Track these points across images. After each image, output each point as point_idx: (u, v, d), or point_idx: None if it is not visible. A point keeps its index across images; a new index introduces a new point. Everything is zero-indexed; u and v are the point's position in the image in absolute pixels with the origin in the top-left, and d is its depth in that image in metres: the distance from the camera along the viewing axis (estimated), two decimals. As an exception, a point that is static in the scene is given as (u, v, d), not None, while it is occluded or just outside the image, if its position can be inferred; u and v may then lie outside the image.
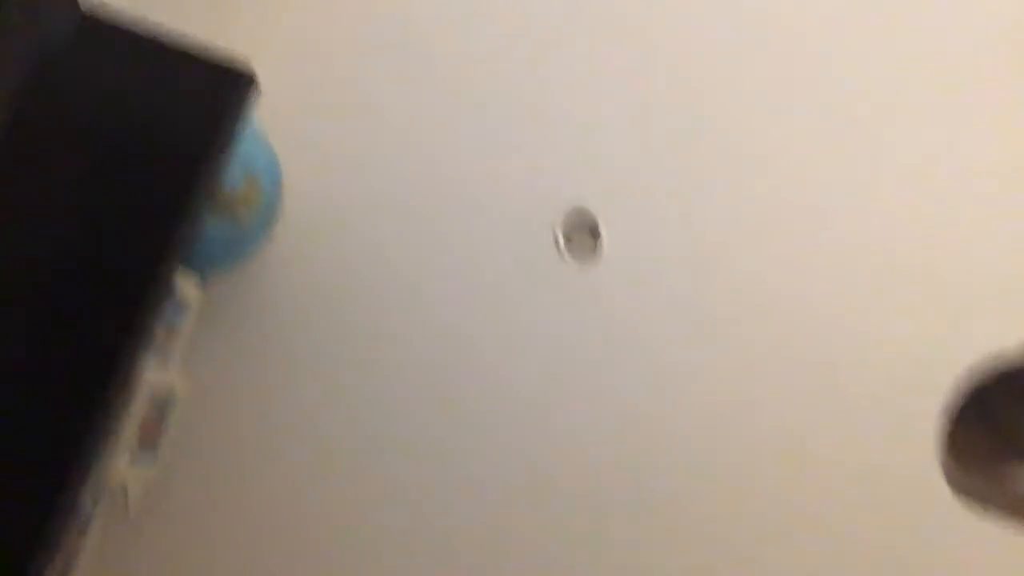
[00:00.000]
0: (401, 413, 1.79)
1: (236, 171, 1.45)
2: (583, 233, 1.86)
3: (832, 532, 1.69)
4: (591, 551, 1.72)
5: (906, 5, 1.89)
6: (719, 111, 1.90)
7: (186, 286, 1.56)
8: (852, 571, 1.67)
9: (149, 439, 1.56)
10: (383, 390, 1.80)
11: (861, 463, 1.70)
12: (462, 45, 1.96)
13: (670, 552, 1.72)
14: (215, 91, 1.20)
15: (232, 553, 1.73)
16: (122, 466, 1.41)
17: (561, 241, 1.84)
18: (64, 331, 1.14)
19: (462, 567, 1.73)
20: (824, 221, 1.82)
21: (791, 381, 1.75)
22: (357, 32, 1.98)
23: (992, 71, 1.86)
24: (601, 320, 1.81)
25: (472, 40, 1.96)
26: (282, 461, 1.77)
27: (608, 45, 1.94)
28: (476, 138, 1.92)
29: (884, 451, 1.68)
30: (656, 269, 1.83)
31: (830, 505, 1.70)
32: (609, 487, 1.75)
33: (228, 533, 1.74)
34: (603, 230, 1.84)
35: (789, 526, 1.71)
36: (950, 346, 1.68)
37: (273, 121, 1.63)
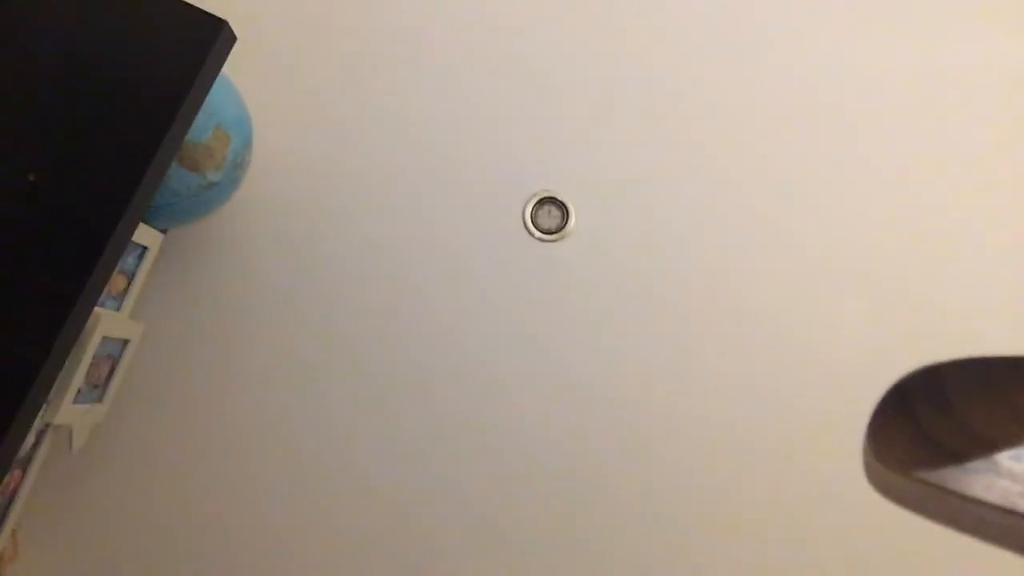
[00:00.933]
0: (357, 376, 1.80)
1: (205, 122, 1.44)
2: (551, 212, 1.87)
3: (765, 527, 1.74)
4: (547, 522, 1.75)
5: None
6: (684, 99, 1.92)
7: (145, 234, 1.55)
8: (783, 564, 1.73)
9: (98, 382, 1.56)
10: (339, 351, 1.81)
11: (794, 459, 1.76)
12: (444, 17, 1.96)
13: (619, 520, 1.76)
14: (188, 37, 1.19)
15: (173, 497, 1.74)
16: (68, 407, 1.40)
17: (529, 218, 1.86)
18: (21, 271, 1.13)
19: (409, 527, 1.75)
20: (784, 215, 1.86)
21: (737, 366, 1.80)
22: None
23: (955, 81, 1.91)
24: (565, 295, 1.84)
25: (453, 12, 1.97)
26: (231, 411, 1.78)
27: (581, 32, 1.95)
28: (450, 109, 1.92)
29: (816, 448, 1.74)
30: (620, 248, 1.85)
31: (764, 498, 1.75)
32: (568, 458, 1.78)
33: (171, 478, 1.75)
34: (571, 209, 1.86)
35: (720, 509, 1.76)
36: (887, 352, 1.75)
37: (247, 77, 1.62)
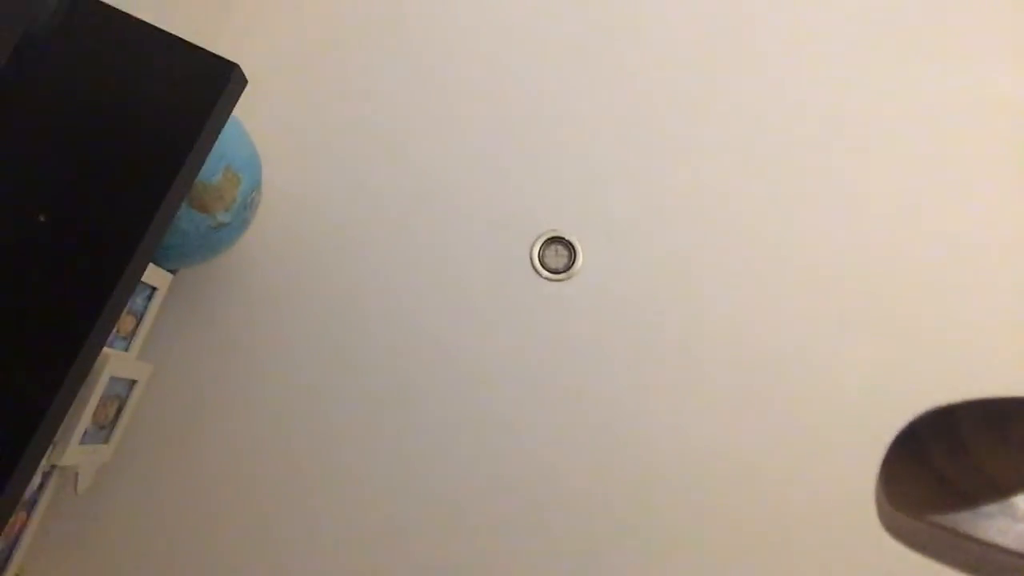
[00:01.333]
0: (366, 415, 1.79)
1: (215, 164, 1.45)
2: (559, 251, 1.88)
3: (776, 569, 1.72)
4: (551, 550, 1.73)
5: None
6: (692, 140, 1.93)
7: (155, 274, 1.56)
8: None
9: (105, 422, 1.55)
10: (350, 390, 1.80)
11: (805, 495, 1.73)
12: (452, 57, 1.99)
13: (627, 549, 1.73)
14: (200, 81, 1.20)
15: (179, 538, 1.72)
16: (75, 447, 1.40)
17: (537, 257, 1.86)
18: (30, 311, 1.13)
19: (417, 553, 1.73)
20: (792, 255, 1.86)
21: (746, 407, 1.78)
22: (346, 36, 2.00)
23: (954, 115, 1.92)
24: (573, 334, 1.83)
25: (461, 51, 1.99)
26: (238, 451, 1.77)
27: (590, 74, 1.97)
28: (460, 150, 1.94)
29: (828, 490, 1.72)
30: (627, 288, 1.85)
31: (775, 532, 1.73)
32: (575, 492, 1.76)
33: (177, 518, 1.73)
34: (578, 249, 1.86)
35: (731, 546, 1.73)
36: (900, 393, 1.73)
37: (257, 119, 1.64)
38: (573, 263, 1.87)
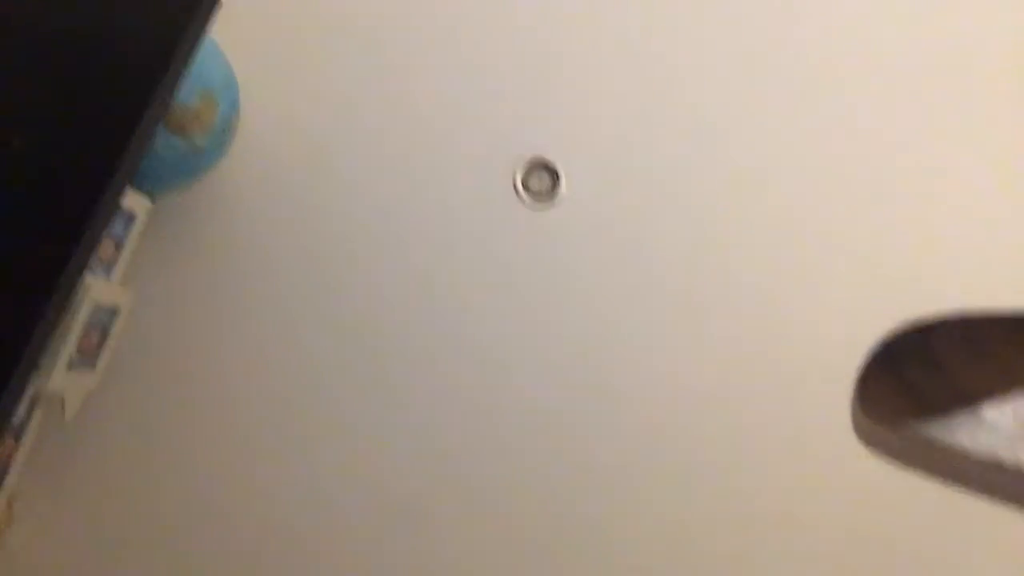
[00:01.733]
0: (348, 341, 1.80)
1: (191, 87, 1.43)
2: (542, 177, 1.87)
3: (753, 483, 1.76)
4: (535, 487, 1.77)
5: None
6: (678, 63, 1.91)
7: (133, 200, 1.54)
8: (765, 521, 1.76)
9: (90, 350, 1.55)
10: (331, 316, 1.81)
11: (781, 415, 1.77)
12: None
13: (607, 485, 1.77)
14: (173, 0, 1.17)
15: (167, 464, 1.75)
16: (60, 375, 1.40)
17: (520, 183, 1.85)
18: (7, 239, 1.12)
19: (400, 497, 1.77)
20: (769, 179, 1.86)
21: (727, 328, 1.81)
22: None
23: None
24: (555, 260, 1.84)
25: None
26: (223, 377, 1.78)
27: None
28: (442, 72, 1.90)
29: (803, 405, 1.76)
30: (610, 214, 1.85)
31: (751, 456, 1.77)
32: (557, 420, 1.79)
33: (164, 445, 1.75)
34: (561, 174, 1.85)
35: (707, 471, 1.78)
36: (874, 309, 1.75)
37: (234, 41, 1.60)
38: (556, 188, 1.86)
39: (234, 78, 1.57)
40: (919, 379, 0.45)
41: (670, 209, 1.85)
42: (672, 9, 1.92)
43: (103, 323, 1.58)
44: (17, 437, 1.46)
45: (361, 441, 1.77)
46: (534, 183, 1.86)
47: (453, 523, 1.75)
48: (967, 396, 0.41)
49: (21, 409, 1.40)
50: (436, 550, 1.75)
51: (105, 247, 1.52)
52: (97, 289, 1.46)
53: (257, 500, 1.75)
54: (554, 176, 1.86)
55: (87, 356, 1.55)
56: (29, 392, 1.33)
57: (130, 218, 1.58)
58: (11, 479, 1.47)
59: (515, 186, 1.85)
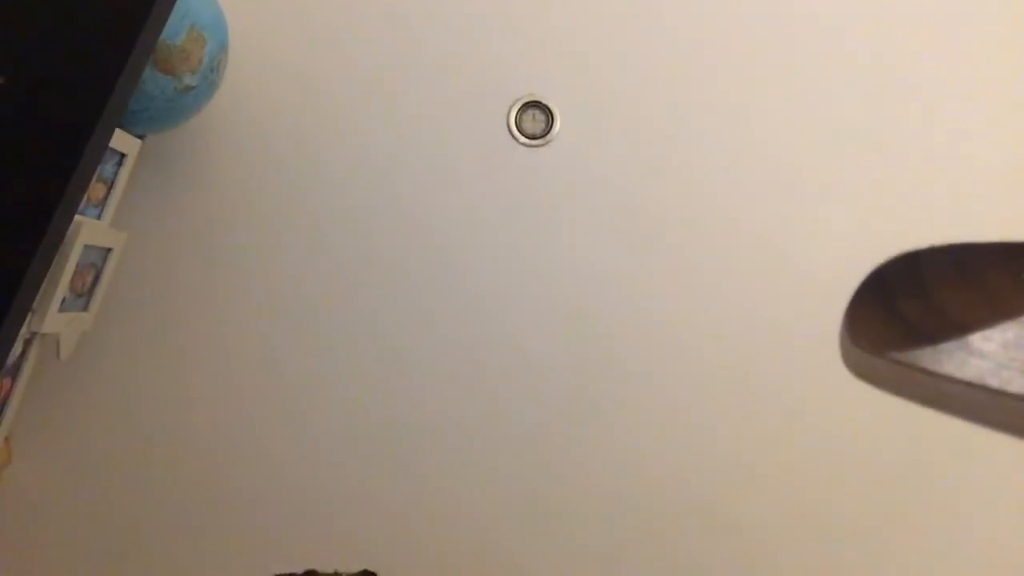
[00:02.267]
0: (341, 278, 1.80)
1: (178, 23, 1.40)
2: (536, 116, 1.85)
3: (747, 413, 1.79)
4: (528, 427, 1.79)
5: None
6: (672, 4, 1.88)
7: (123, 140, 1.53)
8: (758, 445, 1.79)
9: (83, 290, 1.56)
10: (323, 253, 1.81)
11: (772, 343, 1.79)
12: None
13: (603, 420, 1.80)
14: (159, -65, 1.15)
15: (161, 403, 1.76)
16: (54, 315, 1.41)
17: (514, 122, 1.84)
18: (-3, 176, 1.11)
19: (390, 432, 1.79)
20: (760, 113, 1.85)
21: (719, 264, 1.81)
22: None
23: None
24: (549, 200, 1.83)
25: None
26: (215, 317, 1.79)
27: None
28: (435, 9, 1.87)
29: (795, 334, 1.77)
30: (604, 154, 1.84)
31: (743, 385, 1.79)
32: (550, 359, 1.80)
33: (158, 384, 1.77)
34: (556, 114, 1.84)
35: (703, 402, 1.80)
36: (864, 240, 1.76)
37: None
38: (551, 128, 1.85)
39: (222, 15, 1.54)
40: (908, 308, 0.45)
41: (664, 145, 1.85)
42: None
43: (95, 263, 1.58)
44: (12, 377, 1.46)
45: (353, 377, 1.79)
46: (528, 123, 1.84)
47: (444, 460, 1.78)
48: (956, 325, 0.42)
49: (16, 349, 1.41)
50: (426, 485, 1.77)
51: (95, 188, 1.51)
52: (88, 230, 1.45)
53: (247, 435, 1.77)
54: (548, 115, 1.85)
55: (80, 297, 1.55)
56: (24, 332, 1.34)
57: (120, 159, 1.56)
58: (8, 417, 1.48)
59: (509, 126, 1.84)
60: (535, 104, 1.85)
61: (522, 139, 1.84)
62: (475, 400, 1.79)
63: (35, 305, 1.30)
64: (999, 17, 1.85)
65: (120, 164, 1.57)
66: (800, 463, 1.78)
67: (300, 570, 1.25)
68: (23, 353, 1.47)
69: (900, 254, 0.46)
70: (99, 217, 1.56)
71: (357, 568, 1.28)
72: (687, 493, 1.78)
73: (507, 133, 1.84)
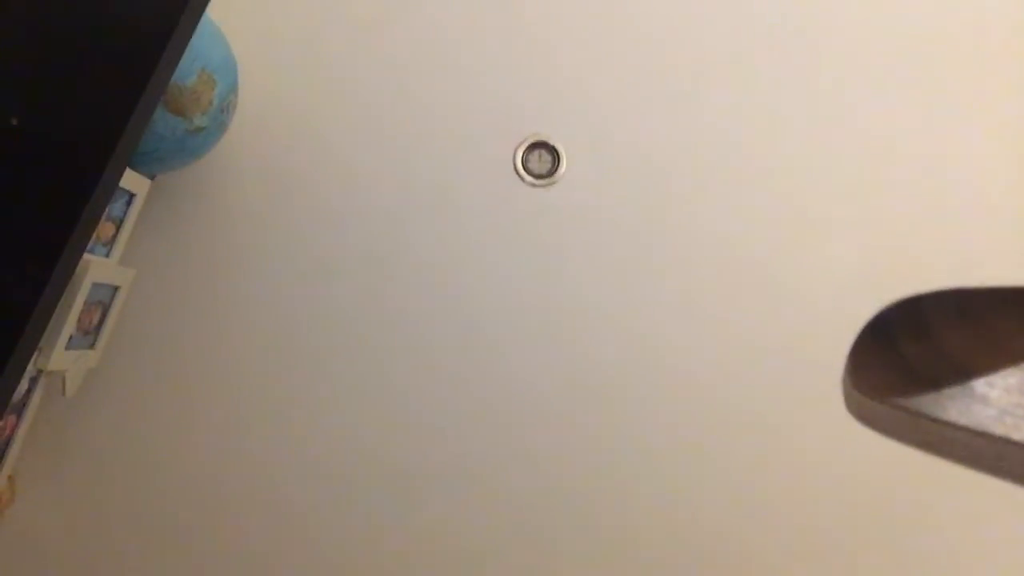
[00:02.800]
0: (346, 318, 1.80)
1: (189, 65, 1.42)
2: (542, 156, 1.86)
3: (749, 454, 1.77)
4: (532, 460, 1.78)
5: None
6: (674, 44, 1.90)
7: (133, 180, 1.54)
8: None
9: (90, 328, 1.56)
10: (329, 295, 1.81)
11: (775, 388, 1.78)
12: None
13: (607, 454, 1.78)
14: (171, -21, 1.17)
15: (166, 440, 1.76)
16: (61, 353, 1.41)
17: (520, 162, 1.85)
18: (6, 218, 1.12)
19: (394, 472, 1.77)
20: (765, 156, 1.86)
21: (724, 305, 1.81)
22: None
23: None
24: (556, 239, 1.84)
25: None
26: (221, 354, 1.79)
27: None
28: (443, 51, 1.90)
29: (797, 379, 1.76)
30: (610, 193, 1.85)
31: (746, 430, 1.78)
32: (555, 397, 1.79)
33: (164, 421, 1.76)
34: (562, 154, 1.85)
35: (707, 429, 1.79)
36: (867, 284, 1.76)
37: (233, 20, 1.59)
38: (557, 168, 1.86)
39: (233, 58, 1.57)
40: (911, 353, 0.45)
41: (668, 186, 1.85)
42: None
43: (103, 301, 1.59)
44: (18, 414, 1.46)
45: (358, 417, 1.78)
46: (534, 163, 1.86)
47: (447, 499, 1.76)
48: (959, 370, 0.41)
49: (22, 386, 1.41)
50: (428, 527, 1.76)
51: (105, 227, 1.52)
52: (97, 268, 1.46)
53: (253, 475, 1.76)
54: (554, 155, 1.86)
55: (87, 334, 1.56)
56: (30, 370, 1.34)
57: (130, 198, 1.58)
58: (12, 456, 1.48)
59: (515, 166, 1.85)
60: (541, 144, 1.86)
61: (528, 179, 1.85)
62: (480, 440, 1.78)
63: (42, 343, 1.31)
64: (1012, 61, 1.87)
65: (130, 203, 1.58)
66: (800, 499, 1.76)
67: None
68: (29, 390, 1.47)
69: (902, 298, 0.46)
70: (108, 255, 1.57)
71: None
72: (697, 532, 1.75)
73: (514, 173, 1.85)
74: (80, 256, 1.19)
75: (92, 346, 1.58)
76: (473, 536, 1.76)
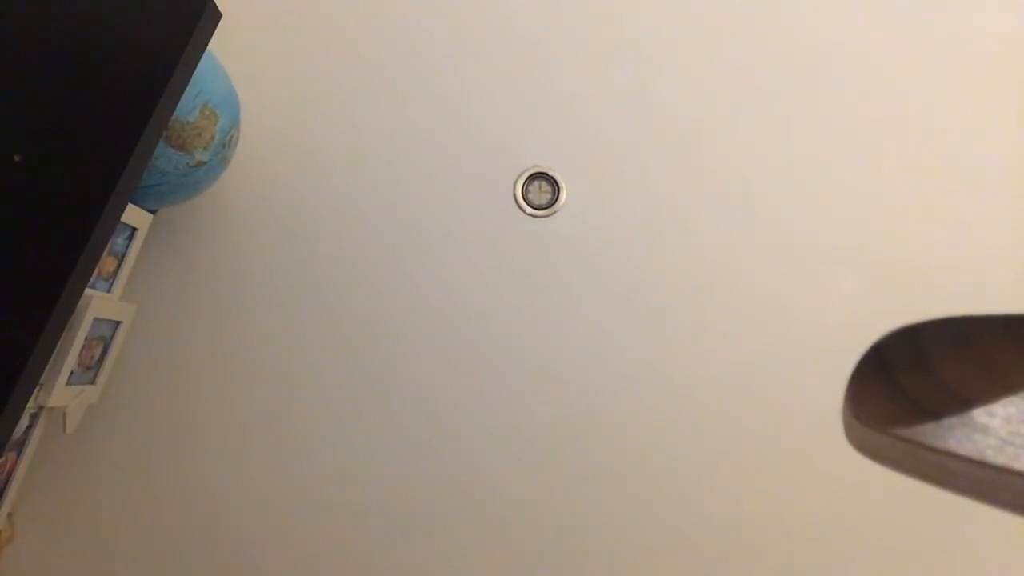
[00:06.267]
0: (348, 352, 1.80)
1: (192, 101, 1.43)
2: (542, 187, 1.87)
3: (749, 485, 1.76)
4: (531, 489, 1.77)
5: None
6: (675, 75, 1.92)
7: (135, 215, 1.55)
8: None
9: (91, 363, 1.56)
10: (331, 328, 1.81)
11: (774, 418, 1.77)
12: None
13: (604, 484, 1.77)
14: (173, 14, 1.18)
15: (167, 477, 1.75)
16: (61, 389, 1.41)
17: (520, 193, 1.86)
18: (9, 253, 1.13)
19: (398, 501, 1.76)
20: (763, 185, 1.86)
21: (724, 336, 1.81)
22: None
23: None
24: (556, 270, 1.84)
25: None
26: (223, 390, 1.78)
27: (573, 7, 1.94)
28: (442, 84, 1.91)
29: (796, 409, 1.75)
30: (611, 224, 1.85)
31: (745, 459, 1.77)
32: (555, 429, 1.78)
33: (165, 458, 1.75)
34: (562, 185, 1.86)
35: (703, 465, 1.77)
36: (865, 314, 1.75)
37: (234, 56, 1.61)
38: (557, 199, 1.86)
39: (234, 92, 1.58)
40: (910, 383, 0.45)
41: (669, 214, 1.86)
42: (678, 20, 1.93)
43: (104, 336, 1.59)
44: (18, 451, 1.46)
45: (363, 452, 1.77)
46: (534, 194, 1.86)
47: (452, 527, 1.75)
48: (958, 399, 0.41)
49: (22, 423, 1.41)
50: (435, 554, 1.74)
51: (106, 262, 1.53)
52: (98, 303, 1.46)
53: (256, 513, 1.75)
54: (554, 186, 1.87)
55: (88, 370, 1.56)
56: (31, 406, 1.34)
57: (131, 233, 1.58)
58: (11, 493, 1.47)
59: (515, 197, 1.86)
60: (541, 175, 1.87)
61: (529, 210, 1.86)
62: (484, 470, 1.77)
63: (43, 379, 1.31)
64: (1016, 90, 1.88)
65: (131, 238, 1.59)
66: (800, 536, 1.74)
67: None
68: (29, 427, 1.46)
69: (900, 327, 0.46)
70: (109, 290, 1.57)
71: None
72: (698, 557, 1.74)
73: (514, 204, 1.86)
74: (81, 292, 1.19)
75: (93, 381, 1.58)
76: (480, 566, 1.74)
